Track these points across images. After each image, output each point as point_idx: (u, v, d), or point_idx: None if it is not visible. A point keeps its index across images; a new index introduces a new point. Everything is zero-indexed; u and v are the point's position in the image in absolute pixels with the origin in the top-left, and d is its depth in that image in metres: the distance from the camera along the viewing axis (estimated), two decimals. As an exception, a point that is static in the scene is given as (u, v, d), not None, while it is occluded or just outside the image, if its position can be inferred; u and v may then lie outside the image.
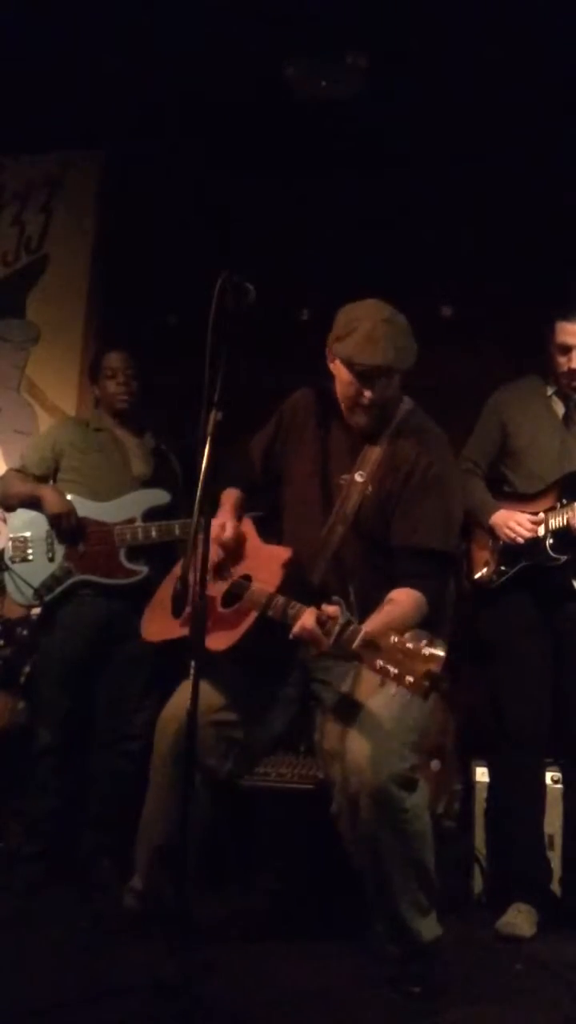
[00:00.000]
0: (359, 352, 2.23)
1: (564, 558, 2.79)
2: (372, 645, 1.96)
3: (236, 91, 3.76)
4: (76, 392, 4.08)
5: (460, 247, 3.73)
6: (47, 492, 3.08)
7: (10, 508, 3.17)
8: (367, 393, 2.28)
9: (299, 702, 2.44)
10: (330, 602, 2.12)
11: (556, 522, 2.79)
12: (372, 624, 2.08)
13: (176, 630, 2.37)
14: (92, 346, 3.98)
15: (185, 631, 2.24)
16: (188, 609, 2.20)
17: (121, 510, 3.08)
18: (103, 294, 4.20)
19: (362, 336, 2.22)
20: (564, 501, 2.81)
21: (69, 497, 3.07)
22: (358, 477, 2.34)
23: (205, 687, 2.29)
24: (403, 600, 2.19)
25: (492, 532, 2.91)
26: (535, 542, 2.82)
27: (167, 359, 3.46)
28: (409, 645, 1.90)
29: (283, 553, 2.35)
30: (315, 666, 2.37)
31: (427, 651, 1.89)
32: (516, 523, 2.83)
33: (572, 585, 2.81)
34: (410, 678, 1.88)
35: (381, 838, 2.15)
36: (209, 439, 2.05)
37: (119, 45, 3.67)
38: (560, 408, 2.99)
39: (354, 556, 2.33)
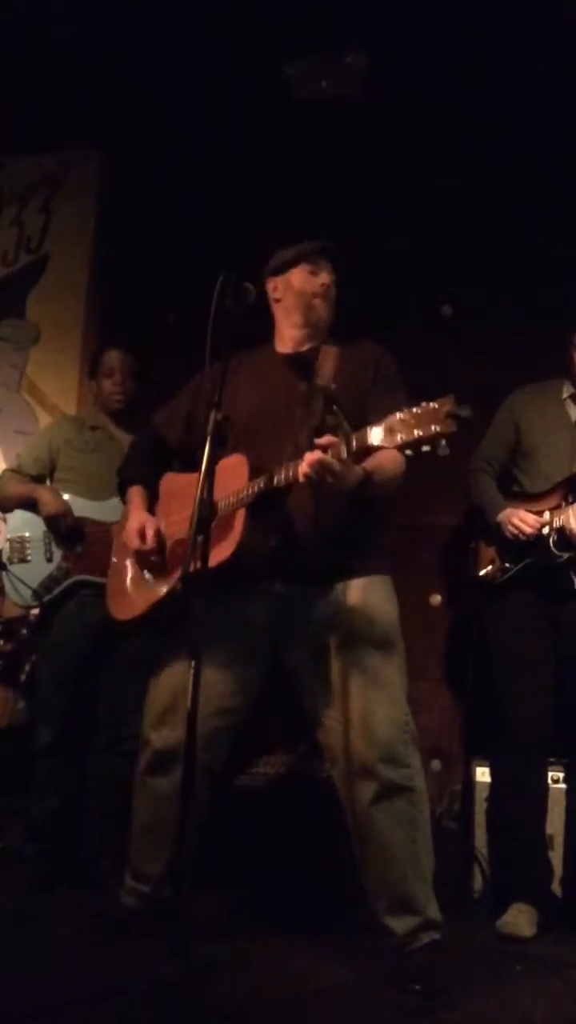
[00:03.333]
0: (305, 244, 2.50)
1: (566, 556, 2.80)
2: (387, 431, 1.96)
3: (236, 91, 3.76)
4: (76, 392, 4.09)
5: (460, 247, 3.73)
6: (44, 492, 3.08)
7: (7, 509, 3.17)
8: (323, 277, 2.49)
9: (267, 669, 2.40)
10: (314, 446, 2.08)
11: (560, 520, 2.81)
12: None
13: (143, 602, 2.41)
14: (92, 346, 3.98)
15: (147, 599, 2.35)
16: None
17: (118, 509, 3.05)
18: (103, 294, 4.20)
19: (302, 244, 2.53)
20: (569, 500, 2.82)
21: (66, 497, 3.07)
22: (320, 382, 2.38)
23: (177, 682, 2.29)
24: (381, 456, 2.21)
25: (498, 529, 2.92)
26: (539, 540, 2.83)
27: (167, 358, 3.46)
28: (416, 409, 1.93)
29: (230, 461, 2.25)
30: (281, 633, 2.35)
31: (434, 402, 1.93)
32: (520, 520, 2.85)
33: (574, 584, 2.82)
34: (436, 427, 1.90)
35: (388, 799, 2.19)
36: (209, 439, 2.05)
37: (119, 45, 3.67)
38: (574, 411, 3.00)
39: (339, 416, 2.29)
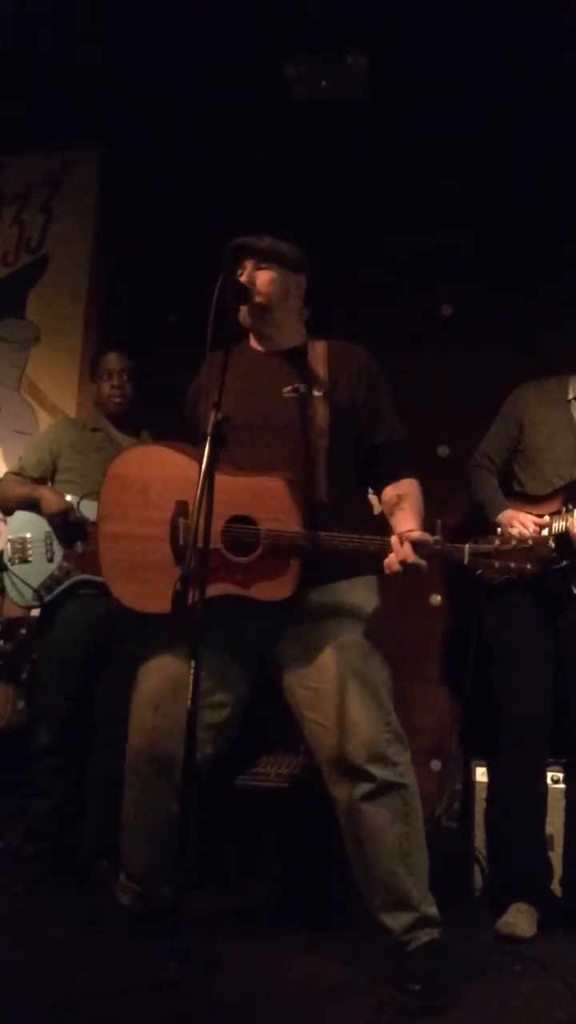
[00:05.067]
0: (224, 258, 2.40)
1: (565, 562, 2.78)
2: (483, 555, 2.15)
3: (236, 91, 3.77)
4: (76, 392, 4.09)
5: (460, 247, 3.73)
6: (46, 492, 3.09)
7: (9, 511, 3.18)
8: (249, 269, 2.40)
9: (254, 672, 2.40)
10: (406, 534, 2.18)
11: (559, 526, 2.79)
12: (408, 523, 2.27)
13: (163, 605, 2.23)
14: (92, 346, 3.99)
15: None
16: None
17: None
18: (103, 294, 4.20)
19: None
20: (569, 506, 2.81)
21: (69, 498, 3.08)
22: (316, 392, 2.36)
23: (162, 681, 2.31)
24: (411, 491, 2.41)
25: (497, 529, 2.90)
26: None
27: (167, 359, 3.46)
28: (514, 541, 2.14)
29: (272, 485, 2.24)
30: (265, 637, 2.35)
31: (531, 538, 2.15)
32: (520, 523, 2.82)
33: (572, 589, 2.81)
34: (529, 566, 2.13)
35: (379, 796, 2.20)
36: (209, 439, 2.05)
37: (119, 45, 3.67)
38: None
39: (338, 464, 2.35)
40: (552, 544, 2.14)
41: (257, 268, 2.42)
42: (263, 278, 2.41)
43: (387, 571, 2.18)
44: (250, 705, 2.43)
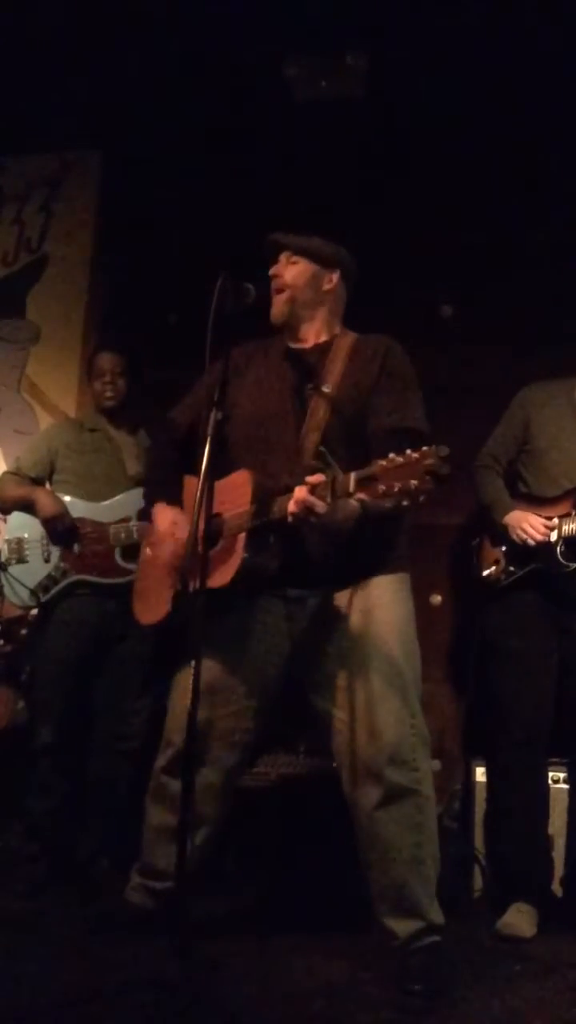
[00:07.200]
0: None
1: (574, 566, 2.78)
2: (366, 479, 1.93)
3: (236, 91, 3.76)
4: (76, 392, 4.09)
5: (460, 247, 3.73)
6: (41, 495, 3.09)
7: (6, 511, 3.18)
8: (271, 271, 2.45)
9: (285, 670, 2.39)
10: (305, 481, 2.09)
11: (569, 529, 2.79)
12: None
13: (164, 607, 2.37)
14: (92, 346, 3.99)
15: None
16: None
17: (116, 510, 3.08)
18: (103, 294, 4.20)
19: None
20: None
21: (67, 499, 3.08)
22: (325, 388, 2.35)
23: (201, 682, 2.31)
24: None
25: (504, 531, 2.90)
26: (546, 547, 2.81)
27: (167, 359, 3.46)
28: (399, 458, 1.88)
29: (238, 477, 2.25)
30: (295, 635, 2.35)
31: (416, 452, 1.86)
32: (528, 525, 2.82)
33: None
34: (414, 482, 1.84)
35: (395, 802, 2.19)
36: (209, 439, 2.05)
37: (119, 45, 3.67)
38: None
39: (326, 455, 2.29)
40: (444, 454, 1.89)
41: (289, 261, 2.48)
42: (292, 271, 2.46)
43: (290, 519, 2.08)
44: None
